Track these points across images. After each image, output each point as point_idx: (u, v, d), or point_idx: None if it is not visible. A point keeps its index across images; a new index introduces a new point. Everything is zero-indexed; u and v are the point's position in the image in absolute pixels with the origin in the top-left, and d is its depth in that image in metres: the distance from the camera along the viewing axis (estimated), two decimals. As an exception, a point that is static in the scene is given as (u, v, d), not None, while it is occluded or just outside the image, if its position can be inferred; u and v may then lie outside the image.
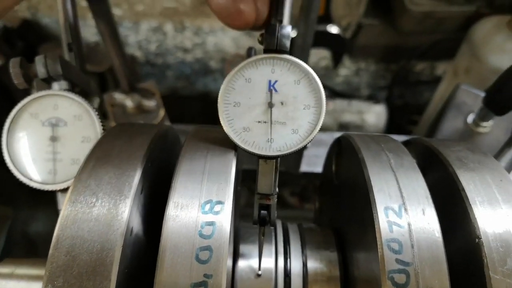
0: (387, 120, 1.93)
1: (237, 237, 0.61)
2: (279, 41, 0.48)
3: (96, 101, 1.20)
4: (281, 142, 0.48)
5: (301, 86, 0.49)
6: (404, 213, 0.44)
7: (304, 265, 0.58)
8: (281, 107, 0.49)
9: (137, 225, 0.47)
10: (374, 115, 1.90)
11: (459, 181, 0.48)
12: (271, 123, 0.48)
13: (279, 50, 0.49)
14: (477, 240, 0.43)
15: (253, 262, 0.57)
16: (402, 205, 0.45)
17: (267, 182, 0.50)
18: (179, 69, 1.99)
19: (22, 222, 1.22)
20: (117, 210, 0.44)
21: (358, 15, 1.71)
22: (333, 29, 1.59)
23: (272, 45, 0.49)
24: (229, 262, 0.43)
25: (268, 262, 0.58)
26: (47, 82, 0.64)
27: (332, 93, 2.03)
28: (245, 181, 0.86)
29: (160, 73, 2.01)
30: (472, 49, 1.49)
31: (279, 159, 0.49)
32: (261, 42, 0.51)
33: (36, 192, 0.64)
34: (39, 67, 0.62)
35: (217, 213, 0.44)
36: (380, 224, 0.43)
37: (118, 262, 0.41)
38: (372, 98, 2.08)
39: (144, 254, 0.49)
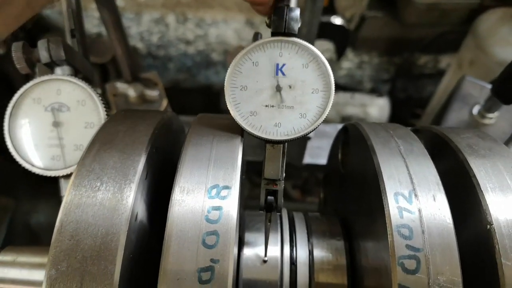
0: (389, 113, 1.92)
1: (242, 225, 0.60)
2: (287, 23, 0.47)
3: (98, 91, 1.19)
4: (289, 127, 0.47)
5: (310, 69, 0.48)
6: (415, 199, 0.43)
7: (310, 253, 0.57)
8: (289, 91, 0.48)
9: (141, 211, 0.46)
10: (377, 108, 1.89)
11: (470, 167, 0.47)
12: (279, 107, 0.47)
13: (288, 33, 0.48)
14: (488, 226, 0.43)
15: (259, 250, 0.57)
16: (413, 191, 0.44)
17: (274, 167, 0.49)
18: (181, 61, 1.97)
19: (24, 213, 1.21)
20: (122, 194, 0.43)
21: (362, 6, 1.70)
22: (337, 21, 1.58)
23: (280, 28, 0.48)
24: (235, 250, 0.42)
25: (274, 250, 0.57)
26: (50, 67, 0.63)
27: (335, 86, 2.01)
28: (247, 172, 0.86)
29: (162, 65, 1.99)
30: (477, 41, 1.48)
31: (286, 143, 0.49)
32: (269, 25, 0.50)
33: (38, 183, 0.63)
34: (42, 51, 0.60)
35: (223, 198, 0.43)
36: (390, 210, 0.42)
37: (123, 246, 0.40)
38: (375, 91, 2.06)
39: (148, 242, 0.48)
